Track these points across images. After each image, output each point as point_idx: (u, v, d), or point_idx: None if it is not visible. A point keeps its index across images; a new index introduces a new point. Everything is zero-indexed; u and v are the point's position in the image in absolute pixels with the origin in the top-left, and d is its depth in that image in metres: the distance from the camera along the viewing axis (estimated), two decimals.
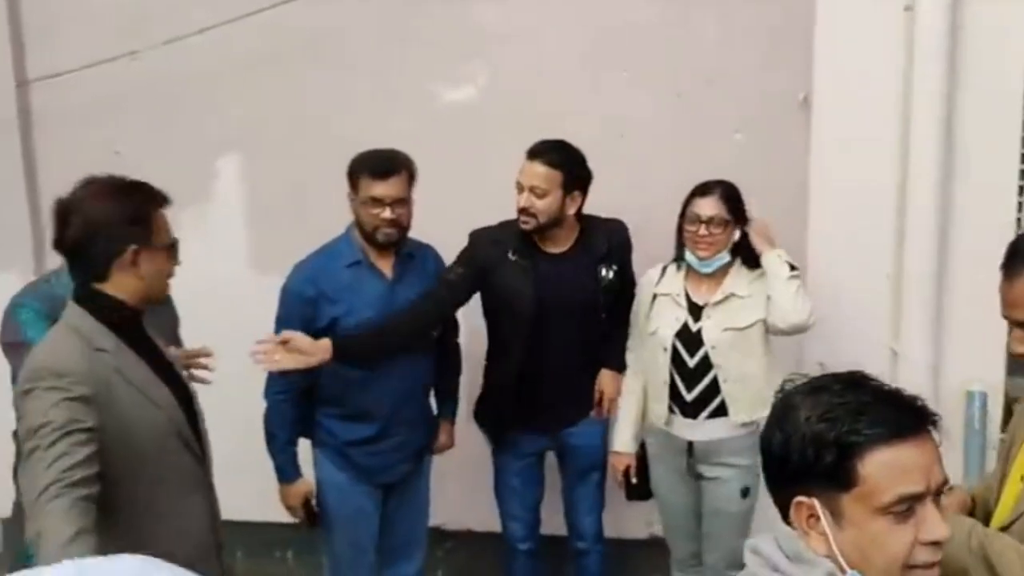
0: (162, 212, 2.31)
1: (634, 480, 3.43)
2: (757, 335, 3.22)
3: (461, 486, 3.99)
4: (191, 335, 4.13)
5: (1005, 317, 1.89)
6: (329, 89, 3.98)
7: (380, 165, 3.11)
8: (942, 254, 3.56)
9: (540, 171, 3.17)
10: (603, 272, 3.31)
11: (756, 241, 3.22)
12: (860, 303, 3.68)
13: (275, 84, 4.02)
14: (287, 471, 3.27)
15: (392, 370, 3.19)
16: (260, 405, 4.15)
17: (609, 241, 3.34)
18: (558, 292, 3.25)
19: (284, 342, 2.98)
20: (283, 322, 3.17)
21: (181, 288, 4.12)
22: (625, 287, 3.40)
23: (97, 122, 4.15)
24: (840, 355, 3.59)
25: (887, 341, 3.68)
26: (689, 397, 3.25)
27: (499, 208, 3.49)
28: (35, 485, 1.81)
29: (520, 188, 3.19)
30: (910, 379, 3.59)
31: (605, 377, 3.45)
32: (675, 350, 3.23)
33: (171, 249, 2.30)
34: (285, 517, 4.27)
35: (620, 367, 3.46)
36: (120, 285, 2.19)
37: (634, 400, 3.40)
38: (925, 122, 3.47)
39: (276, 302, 4.06)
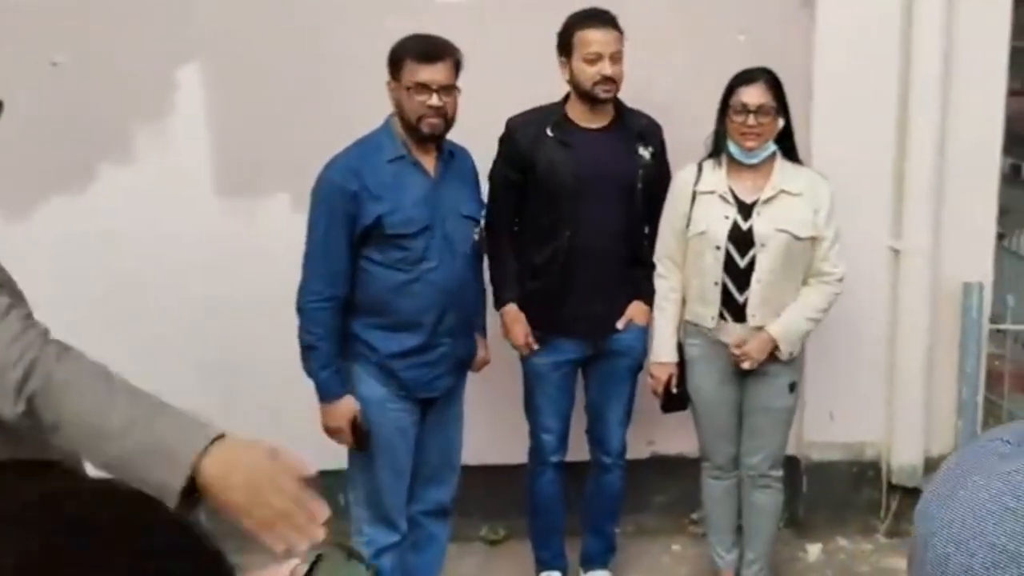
0: None
1: (675, 390, 3.35)
2: (807, 249, 3.19)
3: None
4: (151, 263, 3.75)
5: None
6: None
7: (428, 48, 2.90)
8: (940, 153, 3.68)
9: (616, 35, 3.14)
10: (640, 151, 3.28)
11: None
12: (862, 202, 3.74)
13: None
14: (332, 388, 2.96)
15: (435, 273, 2.96)
16: (229, 341, 3.83)
17: (645, 122, 3.34)
18: (597, 166, 3.22)
19: None
20: (325, 221, 2.90)
21: (139, 212, 3.76)
22: (662, 179, 3.34)
23: (30, 27, 3.64)
24: (845, 253, 3.64)
25: (888, 240, 3.77)
26: (741, 299, 3.18)
27: (502, 110, 3.36)
28: None
29: (597, 58, 3.13)
30: (911, 273, 3.72)
31: (636, 307, 3.39)
32: (726, 250, 3.16)
33: None
34: None
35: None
36: None
37: (672, 305, 3.31)
38: (927, 20, 3.57)
39: (244, 227, 3.78)
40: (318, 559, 0.99)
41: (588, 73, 3.13)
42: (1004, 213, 4.23)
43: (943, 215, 3.72)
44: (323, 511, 1.35)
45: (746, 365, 3.18)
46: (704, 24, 3.72)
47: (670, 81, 3.68)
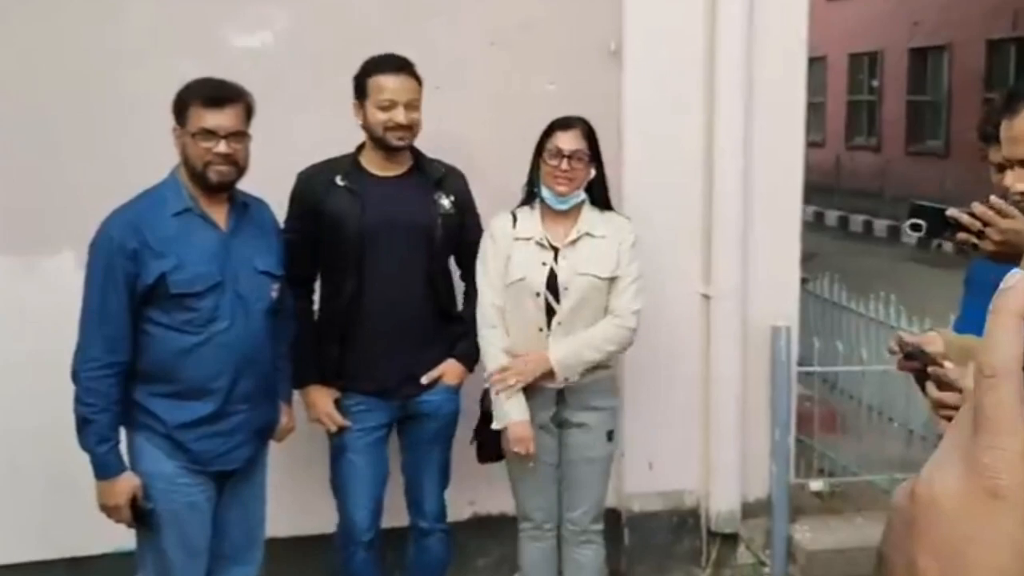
0: None
1: (474, 443, 3.28)
2: (610, 289, 3.14)
3: None
4: None
5: (1005, 158, 1.92)
6: (95, 32, 3.43)
7: (214, 93, 2.72)
8: (745, 201, 3.76)
9: (412, 84, 3.07)
10: (440, 199, 3.17)
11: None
12: (672, 249, 3.78)
13: (23, 22, 3.38)
14: (110, 464, 2.69)
15: (227, 334, 2.75)
16: (8, 409, 3.49)
17: (445, 171, 3.23)
18: (388, 214, 3.09)
19: None
20: (101, 281, 2.65)
21: None
22: (467, 228, 3.24)
23: None
24: (657, 300, 3.67)
25: (698, 287, 3.81)
26: None
27: (302, 163, 3.21)
28: None
29: (391, 104, 3.03)
30: (721, 318, 3.77)
31: (448, 366, 3.24)
32: (545, 297, 3.09)
33: None
34: (38, 554, 3.60)
35: (471, 361, 3.25)
36: None
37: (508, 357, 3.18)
38: (729, 71, 3.66)
39: (23, 287, 3.47)
40: None
41: (380, 119, 3.05)
42: (809, 258, 4.37)
43: (749, 261, 3.79)
44: None
45: (511, 381, 3.10)
46: (514, 73, 3.69)
47: (479, 130, 3.63)
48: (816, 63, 18.50)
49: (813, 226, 14.73)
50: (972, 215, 1.98)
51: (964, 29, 15.23)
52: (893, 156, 16.52)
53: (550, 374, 3.10)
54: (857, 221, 14.86)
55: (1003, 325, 0.46)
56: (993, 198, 1.98)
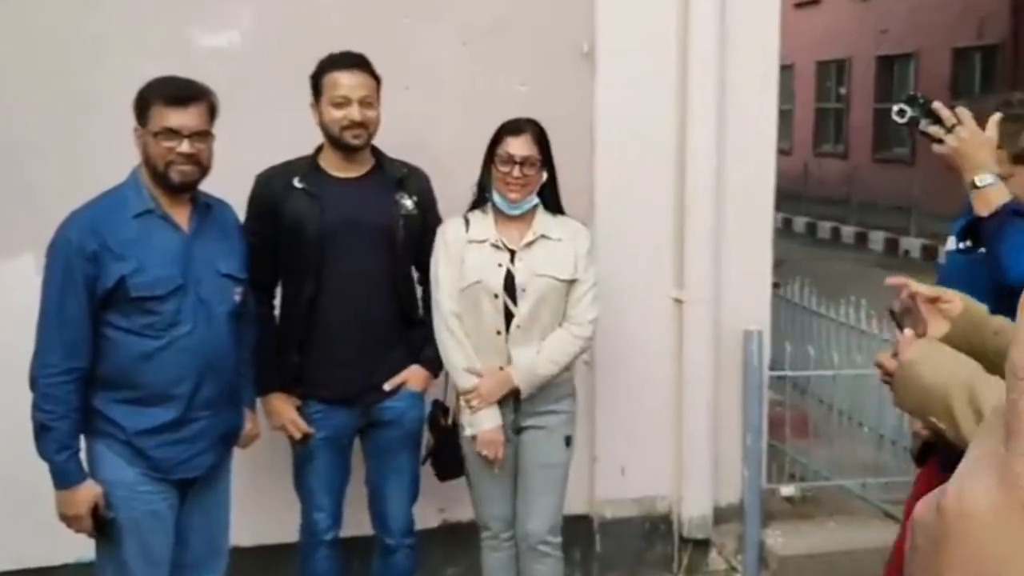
0: None
1: (426, 455, 3.22)
2: (568, 292, 3.09)
3: None
4: None
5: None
6: (57, 30, 3.35)
7: (177, 91, 2.65)
8: (718, 206, 3.74)
9: (366, 80, 3.00)
10: (402, 199, 3.11)
11: None
12: (645, 253, 3.76)
13: None
14: (70, 473, 2.61)
15: (189, 338, 2.68)
16: None
17: (407, 172, 3.16)
18: (349, 215, 3.03)
19: None
20: (60, 285, 2.57)
21: None
22: (428, 230, 3.16)
23: None
24: (629, 304, 3.64)
25: (670, 291, 3.79)
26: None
27: (267, 164, 3.16)
28: None
29: (345, 102, 2.96)
30: (693, 323, 3.75)
31: (413, 372, 3.18)
32: (503, 299, 3.03)
33: None
34: None
35: (436, 366, 3.18)
36: None
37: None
38: (702, 74, 3.63)
39: None
40: None
41: (335, 117, 2.98)
42: (778, 264, 4.36)
43: (722, 265, 3.76)
44: None
45: (475, 403, 3.06)
46: (485, 74, 3.64)
47: (450, 131, 3.59)
48: (784, 71, 18.61)
49: (782, 232, 14.79)
50: (954, 114, 2.18)
51: (931, 37, 15.40)
52: (860, 163, 16.66)
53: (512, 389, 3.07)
54: (825, 227, 14.96)
55: None
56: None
